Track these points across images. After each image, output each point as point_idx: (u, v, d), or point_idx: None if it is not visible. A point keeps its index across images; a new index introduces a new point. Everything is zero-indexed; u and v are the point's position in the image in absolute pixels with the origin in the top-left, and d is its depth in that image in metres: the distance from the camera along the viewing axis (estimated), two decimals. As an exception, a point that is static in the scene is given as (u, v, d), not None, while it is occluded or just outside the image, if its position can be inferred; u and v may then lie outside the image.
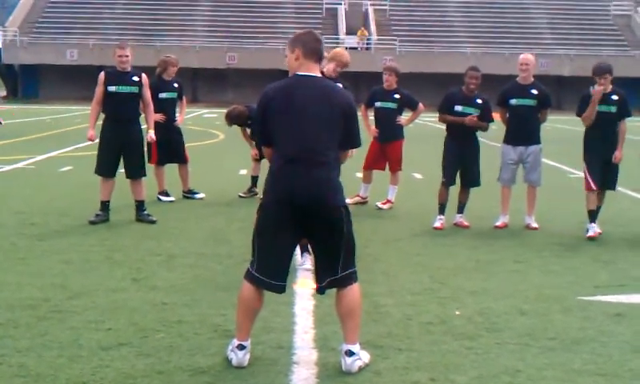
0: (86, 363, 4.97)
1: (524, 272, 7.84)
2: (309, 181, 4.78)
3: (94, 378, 4.73)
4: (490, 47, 53.39)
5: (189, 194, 12.15)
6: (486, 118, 9.89)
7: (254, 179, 12.28)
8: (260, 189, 8.54)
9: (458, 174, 10.04)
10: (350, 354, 4.94)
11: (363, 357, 5.02)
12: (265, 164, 6.10)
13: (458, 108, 9.87)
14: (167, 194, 11.91)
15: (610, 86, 9.43)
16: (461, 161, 9.97)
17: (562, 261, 8.38)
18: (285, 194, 4.80)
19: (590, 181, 9.51)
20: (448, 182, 10.01)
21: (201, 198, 12.05)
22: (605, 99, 9.38)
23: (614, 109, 9.44)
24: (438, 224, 9.91)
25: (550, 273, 7.84)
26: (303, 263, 7.66)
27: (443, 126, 10.27)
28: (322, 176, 4.82)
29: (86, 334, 5.55)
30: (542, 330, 5.87)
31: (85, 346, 5.30)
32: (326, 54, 6.72)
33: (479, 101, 9.88)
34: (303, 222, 4.85)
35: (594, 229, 9.46)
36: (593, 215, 9.55)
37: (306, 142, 4.81)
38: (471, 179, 10.05)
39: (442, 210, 10.01)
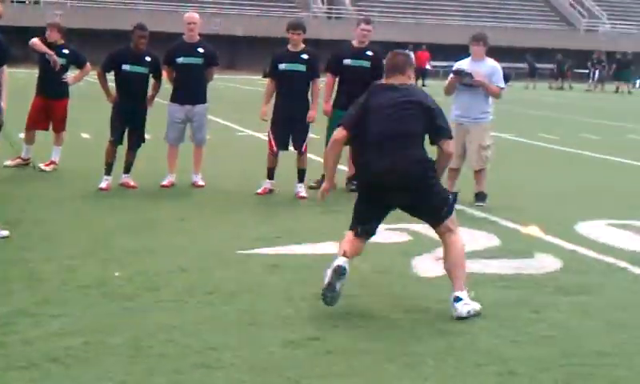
0: None
1: (188, 230, 7.96)
2: None
3: None
4: (163, 4, 53.06)
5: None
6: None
7: None
8: None
9: (126, 134, 9.95)
10: (458, 299, 5.46)
11: (473, 305, 5.49)
12: None
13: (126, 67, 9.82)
14: None
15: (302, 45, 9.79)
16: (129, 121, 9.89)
17: (225, 216, 8.62)
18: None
19: (273, 142, 9.80)
20: (116, 140, 9.88)
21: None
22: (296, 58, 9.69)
23: (302, 67, 9.75)
24: (103, 184, 9.72)
25: (213, 229, 8.03)
26: None
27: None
28: None
29: None
30: (200, 286, 6.01)
31: None
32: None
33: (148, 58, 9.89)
34: None
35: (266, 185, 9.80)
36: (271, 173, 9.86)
37: None
38: (138, 139, 9.99)
39: (108, 171, 9.84)
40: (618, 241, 6.69)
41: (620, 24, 59.91)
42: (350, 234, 5.69)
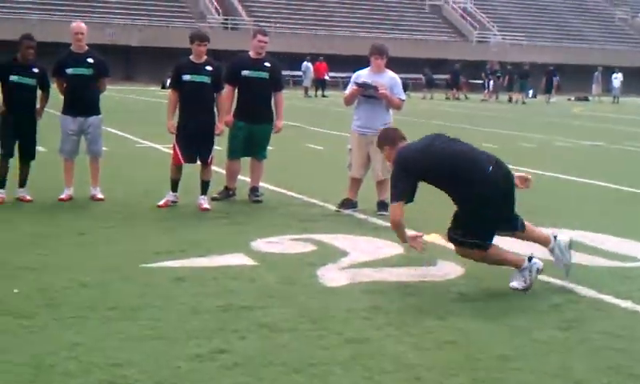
0: None
1: (88, 244, 7.78)
2: None
3: None
4: (51, 14, 51.78)
5: None
6: None
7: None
8: None
9: (17, 147, 9.66)
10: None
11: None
12: None
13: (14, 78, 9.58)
14: None
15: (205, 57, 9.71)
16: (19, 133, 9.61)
17: (125, 230, 8.46)
18: None
19: (180, 155, 9.64)
20: (6, 154, 9.59)
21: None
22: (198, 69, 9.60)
23: (207, 79, 9.59)
24: None
25: (114, 242, 7.86)
26: None
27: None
28: None
29: None
30: (102, 301, 5.87)
31: None
32: None
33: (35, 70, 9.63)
34: None
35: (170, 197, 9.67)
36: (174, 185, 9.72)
37: None
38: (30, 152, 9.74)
39: (1, 185, 9.55)
40: (517, 245, 6.88)
41: (509, 36, 61.83)
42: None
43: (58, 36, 30.31)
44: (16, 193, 9.70)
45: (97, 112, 10.09)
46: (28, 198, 9.68)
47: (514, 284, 6.48)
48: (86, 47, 10.02)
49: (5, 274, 6.50)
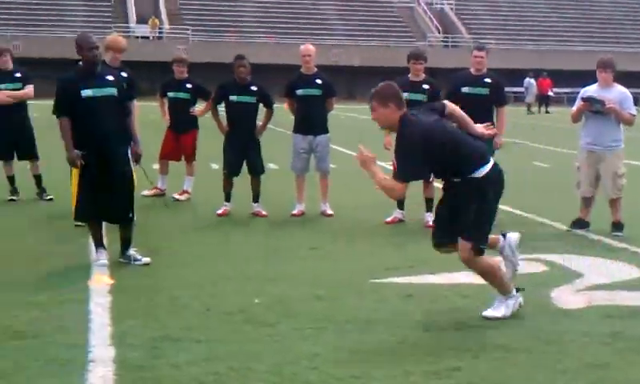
0: None
1: (319, 258, 8.04)
2: None
3: None
4: (283, 37, 54.08)
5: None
6: None
7: None
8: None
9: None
10: None
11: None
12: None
13: (233, 98, 10.15)
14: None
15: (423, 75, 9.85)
16: (243, 151, 10.16)
17: (355, 245, 8.66)
18: None
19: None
20: (230, 173, 10.21)
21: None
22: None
23: (423, 97, 9.59)
24: (220, 210, 10.16)
25: (343, 257, 8.08)
26: (98, 259, 7.45)
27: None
28: None
29: None
30: (337, 313, 6.03)
31: None
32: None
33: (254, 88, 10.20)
34: None
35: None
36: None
37: None
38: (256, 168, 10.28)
39: (227, 198, 10.25)
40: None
41: None
42: None
43: (288, 58, 31.70)
44: (251, 208, 10.20)
45: (325, 131, 10.41)
46: (263, 213, 10.15)
47: (492, 312, 5.96)
48: (315, 68, 10.37)
49: (246, 284, 6.84)
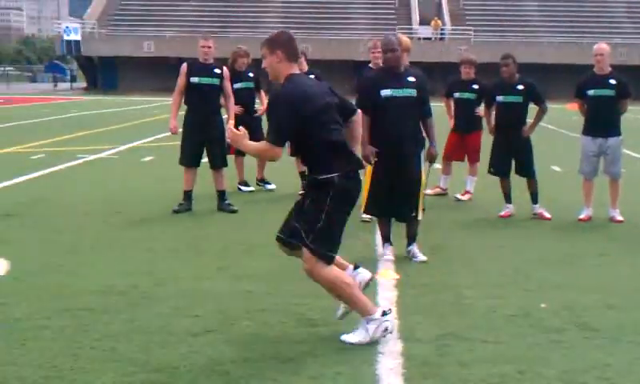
0: (175, 348, 5.08)
1: (610, 265, 7.70)
2: None
3: (184, 364, 4.83)
4: (566, 37, 52.41)
5: (261, 182, 12.22)
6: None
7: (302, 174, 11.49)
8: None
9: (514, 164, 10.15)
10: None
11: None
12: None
13: (500, 98, 9.98)
14: (247, 184, 12.04)
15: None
16: (511, 151, 10.02)
17: (646, 253, 8.22)
18: None
19: None
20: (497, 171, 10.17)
21: (271, 189, 12.08)
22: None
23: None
24: (502, 212, 10.12)
25: (638, 266, 7.68)
26: (385, 254, 7.68)
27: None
28: None
29: (174, 320, 5.67)
30: (631, 325, 5.76)
31: (174, 331, 5.41)
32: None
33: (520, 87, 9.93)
34: None
35: None
36: None
37: None
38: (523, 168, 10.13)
39: (508, 200, 10.15)
40: None
41: None
42: None
43: (574, 58, 30.66)
44: (533, 209, 10.01)
45: (617, 133, 9.94)
46: (547, 215, 9.91)
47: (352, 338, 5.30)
48: (609, 68, 9.87)
49: (531, 289, 6.71)
